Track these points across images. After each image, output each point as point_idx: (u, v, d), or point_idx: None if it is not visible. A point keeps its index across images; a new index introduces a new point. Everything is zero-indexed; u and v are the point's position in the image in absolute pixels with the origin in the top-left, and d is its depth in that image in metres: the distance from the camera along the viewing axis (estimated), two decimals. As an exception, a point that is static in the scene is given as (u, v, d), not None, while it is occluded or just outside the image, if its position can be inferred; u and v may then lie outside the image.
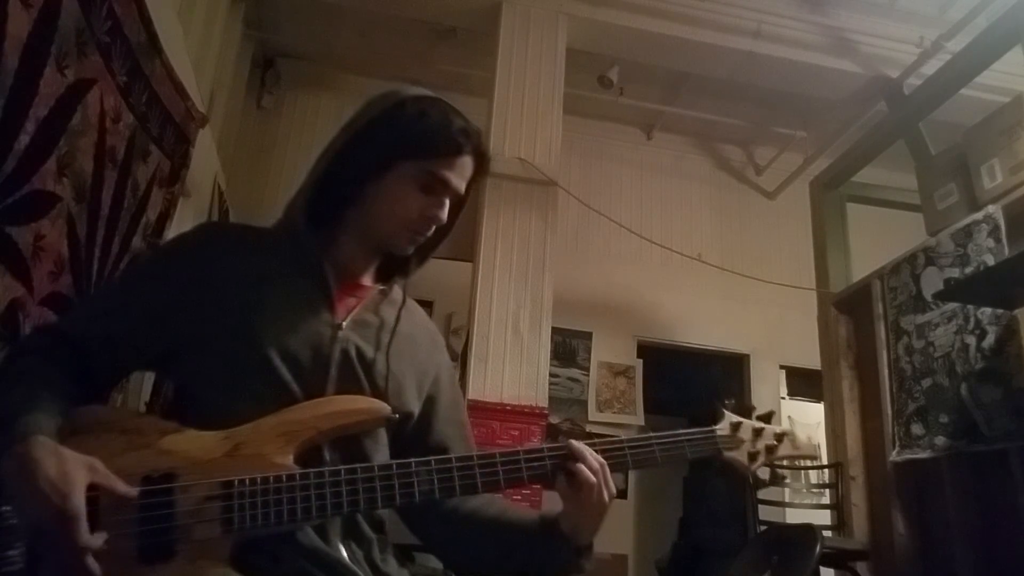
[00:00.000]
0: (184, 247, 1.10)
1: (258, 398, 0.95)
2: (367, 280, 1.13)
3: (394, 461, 0.95)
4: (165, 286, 1.02)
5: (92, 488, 0.81)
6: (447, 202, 1.08)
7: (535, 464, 0.99)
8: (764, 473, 1.17)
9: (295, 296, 1.03)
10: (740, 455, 1.09)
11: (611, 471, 1.00)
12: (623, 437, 1.05)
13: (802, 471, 5.16)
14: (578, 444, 1.00)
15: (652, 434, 1.06)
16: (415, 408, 1.10)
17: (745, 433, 1.10)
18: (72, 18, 1.53)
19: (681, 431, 1.08)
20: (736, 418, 1.11)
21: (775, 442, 1.11)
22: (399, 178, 1.05)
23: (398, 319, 1.10)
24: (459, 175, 1.08)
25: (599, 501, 0.98)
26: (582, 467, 0.98)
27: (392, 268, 1.16)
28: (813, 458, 1.17)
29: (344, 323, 1.03)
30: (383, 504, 0.93)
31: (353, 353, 1.02)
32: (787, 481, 4.83)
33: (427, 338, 1.18)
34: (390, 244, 1.10)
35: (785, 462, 1.14)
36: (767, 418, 1.13)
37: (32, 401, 0.88)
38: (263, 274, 1.03)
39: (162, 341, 1.01)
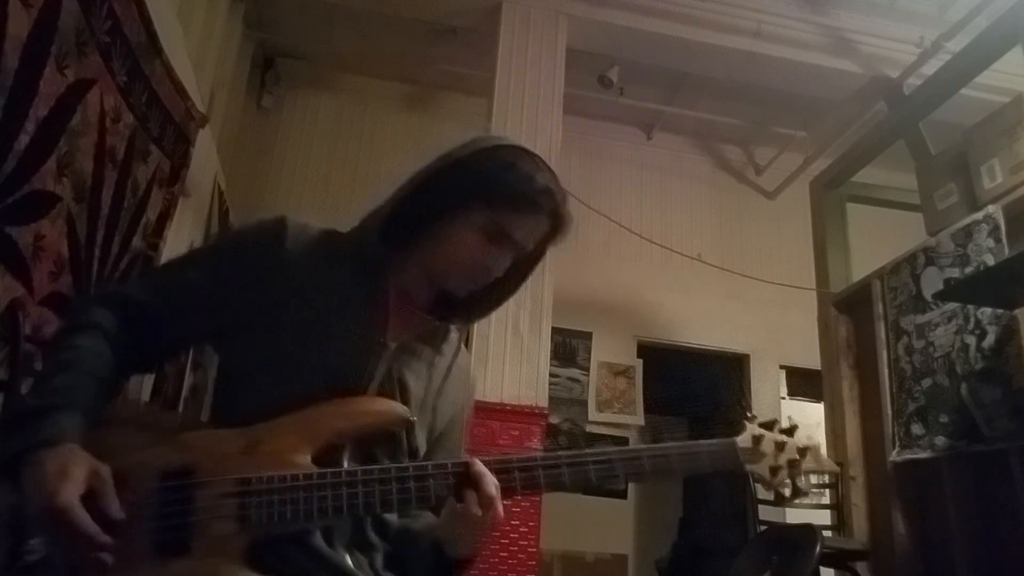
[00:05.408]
0: (258, 236, 1.08)
1: (289, 397, 0.94)
2: (422, 310, 1.12)
3: (410, 463, 0.94)
4: (231, 269, 1.03)
5: (89, 494, 0.80)
6: (507, 255, 1.08)
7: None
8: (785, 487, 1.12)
9: (351, 307, 1.03)
10: (761, 469, 1.06)
11: (629, 480, 0.98)
12: (642, 446, 1.03)
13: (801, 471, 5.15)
14: (478, 466, 0.94)
15: (671, 443, 1.03)
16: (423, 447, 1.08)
17: (767, 446, 1.07)
18: (72, 18, 1.53)
19: (702, 441, 1.05)
20: (758, 430, 1.08)
21: (797, 456, 1.07)
22: (468, 221, 1.05)
23: (451, 366, 1.11)
24: (527, 232, 1.07)
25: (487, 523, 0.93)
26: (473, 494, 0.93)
27: (452, 307, 1.14)
28: (835, 473, 1.13)
29: (392, 343, 1.03)
30: (398, 507, 0.93)
31: (395, 375, 1.02)
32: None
33: (463, 383, 1.17)
34: (446, 282, 1.09)
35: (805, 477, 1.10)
36: (790, 432, 1.10)
37: (71, 393, 0.89)
38: (326, 279, 1.03)
39: (219, 319, 1.02)
